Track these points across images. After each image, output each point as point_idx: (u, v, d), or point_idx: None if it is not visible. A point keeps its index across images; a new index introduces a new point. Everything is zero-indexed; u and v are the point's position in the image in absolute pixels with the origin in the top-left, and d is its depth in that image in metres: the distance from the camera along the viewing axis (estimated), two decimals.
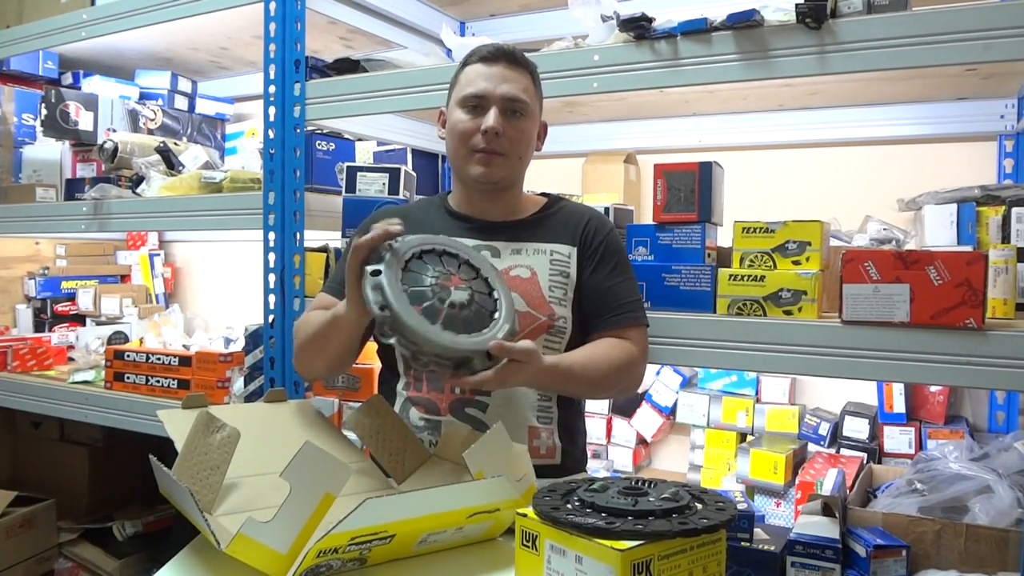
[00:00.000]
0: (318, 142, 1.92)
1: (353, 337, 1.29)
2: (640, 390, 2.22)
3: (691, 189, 1.48)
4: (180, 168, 2.18)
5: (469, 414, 1.33)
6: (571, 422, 1.41)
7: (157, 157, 2.20)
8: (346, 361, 1.38)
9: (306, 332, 1.35)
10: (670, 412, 2.20)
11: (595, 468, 2.19)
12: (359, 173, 1.83)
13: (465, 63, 1.38)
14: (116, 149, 2.23)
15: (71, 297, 2.79)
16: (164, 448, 1.18)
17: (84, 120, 2.40)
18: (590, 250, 1.38)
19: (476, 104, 1.33)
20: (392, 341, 1.11)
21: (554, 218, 1.42)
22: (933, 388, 1.90)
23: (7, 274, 2.75)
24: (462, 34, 2.37)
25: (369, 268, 1.13)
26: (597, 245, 1.38)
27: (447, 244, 1.23)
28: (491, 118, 1.31)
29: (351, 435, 1.35)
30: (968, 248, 1.53)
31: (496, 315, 1.19)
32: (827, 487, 1.69)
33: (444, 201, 1.46)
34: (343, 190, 1.85)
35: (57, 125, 2.37)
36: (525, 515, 0.87)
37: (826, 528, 1.38)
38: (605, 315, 1.36)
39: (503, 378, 1.14)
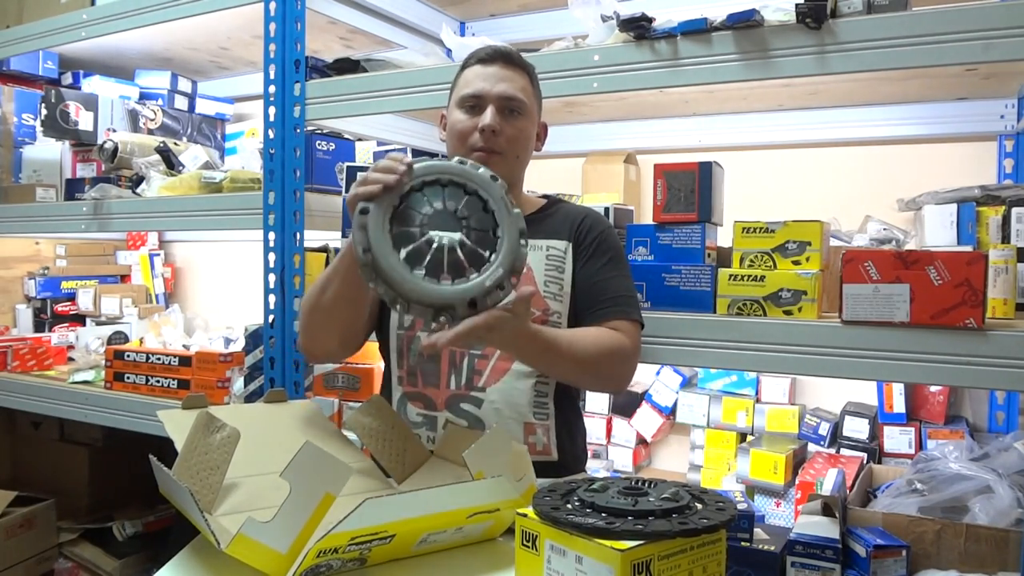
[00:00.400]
0: (318, 142, 1.92)
1: (358, 292, 1.26)
2: (640, 390, 2.23)
3: (691, 189, 1.48)
4: (180, 168, 2.18)
5: (465, 409, 1.34)
6: (569, 419, 1.41)
7: (157, 157, 2.20)
8: (357, 325, 1.35)
9: (313, 291, 1.32)
10: (670, 412, 2.20)
11: (595, 468, 2.19)
12: (359, 173, 1.82)
13: (464, 66, 1.39)
14: (116, 149, 2.23)
15: (71, 297, 2.79)
16: (164, 448, 1.18)
17: (84, 120, 2.40)
18: (583, 245, 1.38)
19: (474, 104, 1.34)
20: (372, 286, 1.07)
21: (552, 217, 1.42)
22: (933, 388, 1.90)
23: (7, 274, 2.75)
24: (462, 34, 2.37)
25: (360, 206, 1.07)
26: (591, 241, 1.38)
27: (454, 173, 1.11)
28: (488, 116, 1.32)
29: (351, 435, 1.35)
30: (968, 248, 1.53)
31: (492, 256, 1.09)
32: (827, 487, 1.69)
33: None
34: (343, 190, 1.85)
35: (57, 125, 2.37)
36: (525, 515, 0.87)
37: (826, 528, 1.38)
38: (593, 308, 1.35)
39: (485, 328, 1.07)
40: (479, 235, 1.11)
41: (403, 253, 1.07)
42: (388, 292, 1.06)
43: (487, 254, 1.10)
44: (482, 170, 1.13)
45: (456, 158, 1.14)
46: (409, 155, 2.21)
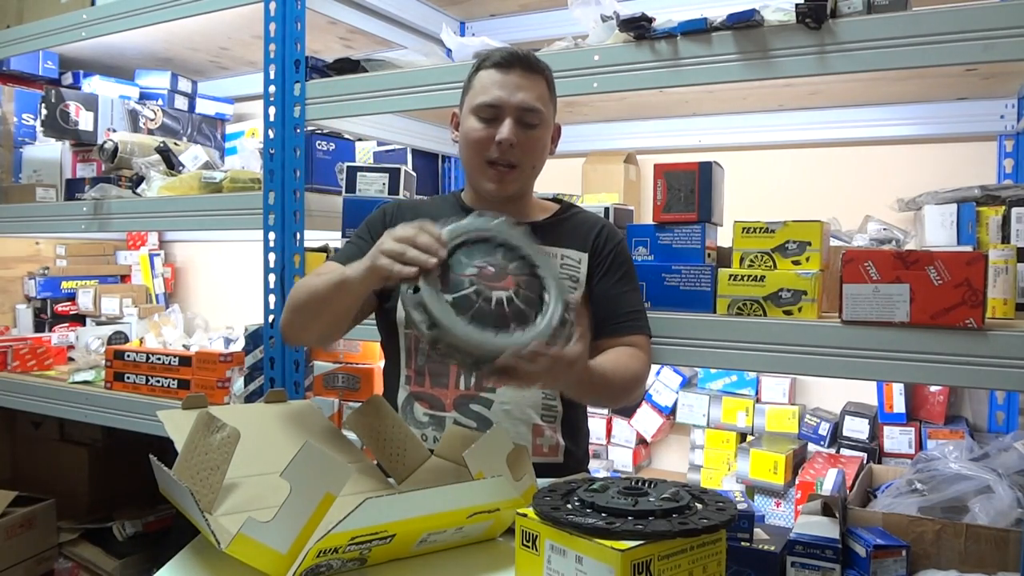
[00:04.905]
0: (318, 142, 1.92)
1: (354, 307, 1.26)
2: None
3: (691, 189, 1.48)
4: (180, 168, 2.18)
5: (474, 410, 1.34)
6: (575, 421, 1.41)
7: (157, 157, 2.20)
8: (339, 330, 1.35)
9: (305, 291, 1.29)
10: (670, 412, 2.20)
11: (595, 468, 2.19)
12: (359, 173, 1.83)
13: (479, 67, 1.35)
14: (116, 149, 2.23)
15: (71, 297, 2.79)
16: (164, 448, 1.18)
17: (84, 120, 2.40)
18: (600, 258, 1.38)
19: (490, 114, 1.31)
20: (441, 358, 1.09)
21: (567, 224, 1.42)
22: (933, 388, 1.90)
23: (7, 274, 2.75)
24: (462, 34, 2.37)
25: (405, 286, 1.08)
26: (607, 254, 1.39)
27: (482, 230, 1.15)
28: (505, 129, 1.30)
29: (351, 435, 1.35)
30: (968, 248, 1.53)
31: (546, 295, 1.13)
32: (827, 487, 1.69)
33: (458, 198, 1.45)
34: (343, 190, 1.85)
35: (57, 125, 2.37)
36: (525, 515, 0.87)
37: (826, 528, 1.37)
38: (611, 322, 1.36)
39: (567, 363, 1.08)
40: (528, 279, 1.14)
41: (468, 318, 1.08)
42: (466, 359, 1.07)
43: (540, 295, 1.13)
44: (522, 228, 1.16)
45: (486, 216, 1.16)
46: (409, 155, 2.21)
